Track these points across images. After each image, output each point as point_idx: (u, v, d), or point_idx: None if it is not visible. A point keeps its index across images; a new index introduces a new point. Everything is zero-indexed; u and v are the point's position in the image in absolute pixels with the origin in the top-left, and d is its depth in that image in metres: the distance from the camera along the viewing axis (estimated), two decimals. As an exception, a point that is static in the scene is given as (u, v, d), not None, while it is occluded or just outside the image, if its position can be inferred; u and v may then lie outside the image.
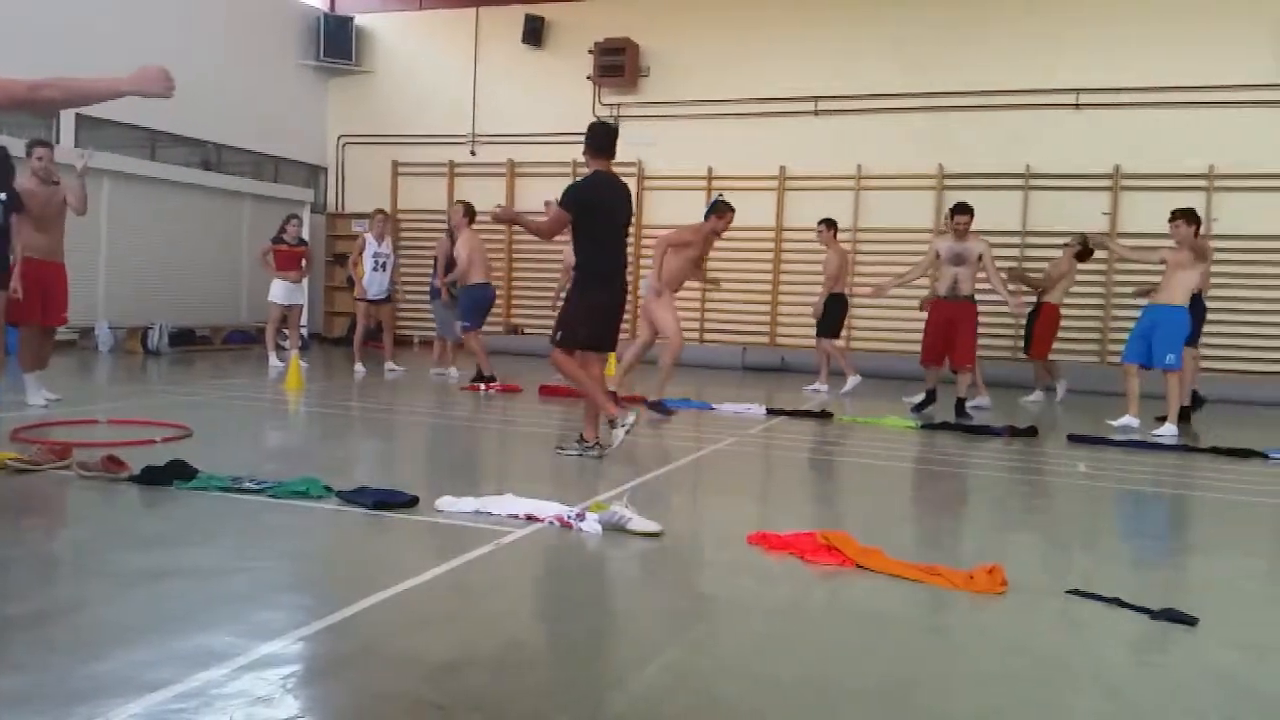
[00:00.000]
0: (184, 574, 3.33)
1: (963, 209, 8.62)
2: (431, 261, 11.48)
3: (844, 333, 11.40)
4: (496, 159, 15.00)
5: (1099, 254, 12.11)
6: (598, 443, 5.95)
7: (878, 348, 12.96)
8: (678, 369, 8.44)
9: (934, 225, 12.74)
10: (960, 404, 8.59)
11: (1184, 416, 8.61)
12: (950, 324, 8.59)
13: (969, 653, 2.95)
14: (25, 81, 3.50)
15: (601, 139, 6.08)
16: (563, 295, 10.45)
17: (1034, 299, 10.30)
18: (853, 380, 10.47)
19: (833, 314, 10.70)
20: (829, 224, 10.75)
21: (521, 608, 3.27)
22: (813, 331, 10.92)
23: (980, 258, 8.52)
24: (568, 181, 14.25)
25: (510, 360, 11.64)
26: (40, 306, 7.08)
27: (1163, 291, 8.21)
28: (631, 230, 14.13)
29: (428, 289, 11.83)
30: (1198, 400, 9.54)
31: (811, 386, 10.71)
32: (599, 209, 5.96)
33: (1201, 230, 8.29)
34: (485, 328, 10.41)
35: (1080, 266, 10.64)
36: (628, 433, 5.83)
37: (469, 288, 9.91)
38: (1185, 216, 8.03)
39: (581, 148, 6.13)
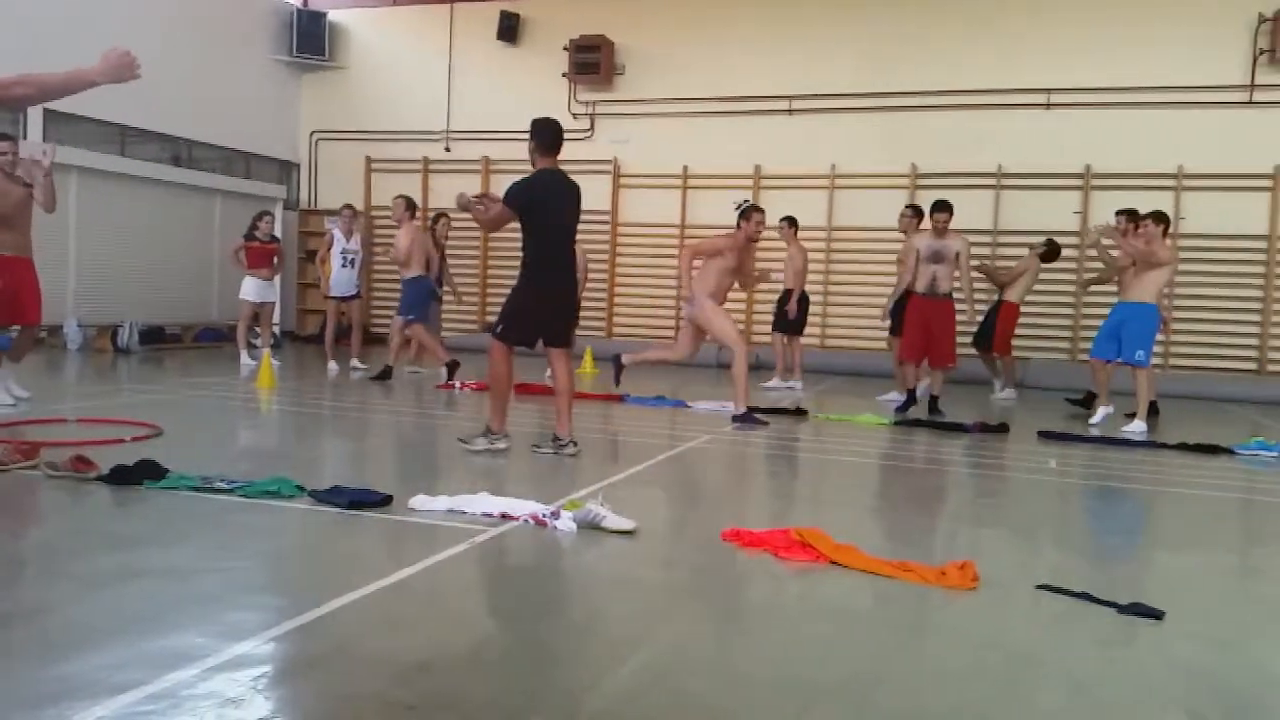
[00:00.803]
0: (154, 575, 3.29)
1: (941, 206, 8.63)
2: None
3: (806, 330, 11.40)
4: (471, 156, 14.94)
5: (1066, 253, 12.26)
6: (572, 440, 5.94)
7: (852, 345, 13.03)
8: (750, 373, 8.24)
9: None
10: (934, 402, 8.59)
11: (1153, 411, 8.75)
12: (931, 322, 8.57)
13: (940, 648, 2.97)
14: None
15: (549, 136, 6.04)
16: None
17: (994, 297, 10.43)
18: (778, 383, 10.59)
19: (799, 311, 10.78)
20: (790, 222, 10.82)
21: (495, 607, 3.26)
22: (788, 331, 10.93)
23: (958, 256, 8.54)
24: (543, 179, 14.38)
25: (485, 358, 11.57)
26: (8, 305, 6.97)
27: (1132, 289, 8.34)
28: (607, 227, 14.13)
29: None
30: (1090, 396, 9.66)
31: (787, 384, 10.75)
32: (544, 208, 5.95)
33: (1169, 229, 8.43)
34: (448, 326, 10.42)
35: (1048, 266, 10.77)
36: (487, 450, 5.85)
37: (408, 281, 9.89)
38: (1154, 217, 8.29)
39: (530, 139, 6.03)
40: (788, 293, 10.74)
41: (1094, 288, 10.70)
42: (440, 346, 9.89)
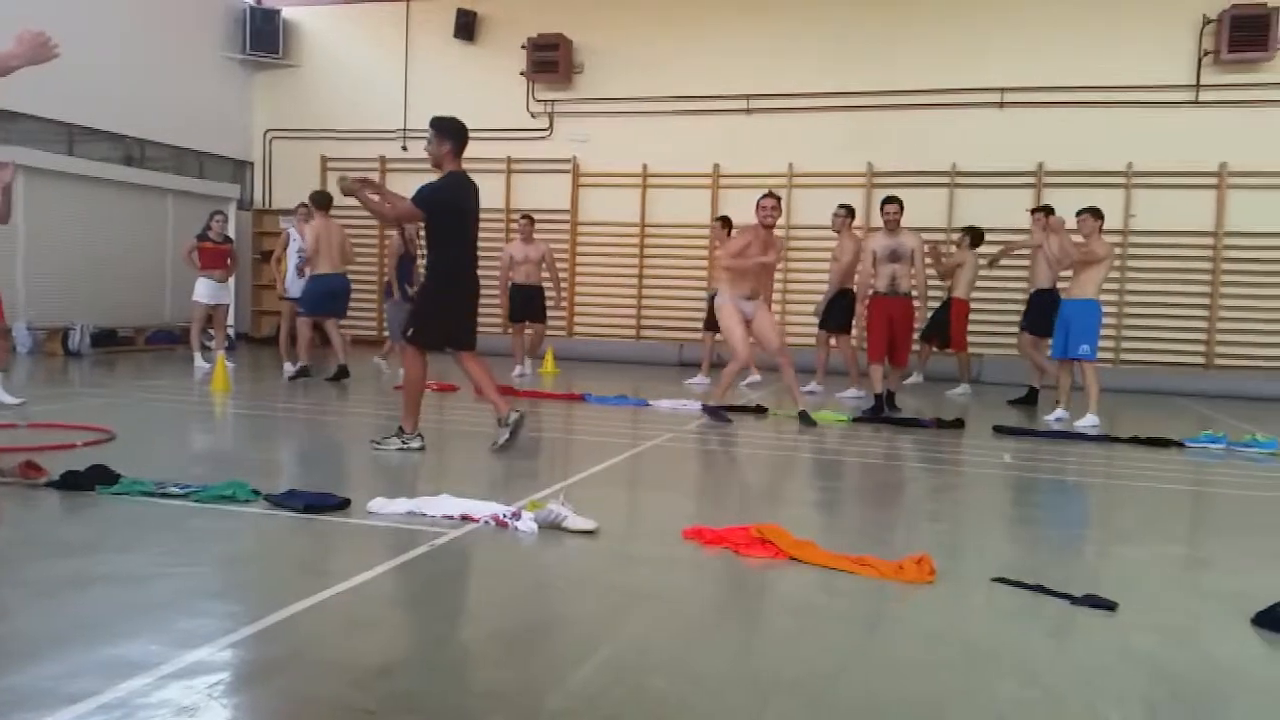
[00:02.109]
0: (106, 582, 3.24)
1: (891, 199, 8.65)
2: (375, 259, 11.30)
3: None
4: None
5: (1023, 253, 12.44)
6: (419, 434, 5.99)
7: (810, 344, 13.09)
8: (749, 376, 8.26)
9: (865, 223, 12.92)
10: (891, 396, 8.64)
11: (1030, 399, 9.54)
12: (894, 320, 8.59)
13: (897, 642, 3.00)
14: None
15: (463, 138, 6.10)
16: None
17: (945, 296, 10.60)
18: (702, 380, 10.68)
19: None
20: (724, 221, 10.89)
21: (456, 609, 3.25)
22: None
23: (913, 253, 8.57)
24: (501, 178, 14.35)
25: (446, 359, 11.50)
26: None
27: (1073, 286, 8.55)
28: (566, 226, 14.07)
29: (385, 288, 11.74)
30: (1032, 393, 9.90)
31: (746, 381, 10.83)
32: (457, 212, 6.00)
33: (1119, 225, 8.64)
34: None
35: (1004, 263, 10.93)
36: (401, 450, 5.89)
37: (313, 277, 9.81)
38: (1091, 212, 8.44)
39: (441, 140, 6.01)
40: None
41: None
42: (307, 350, 9.81)
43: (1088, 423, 8.11)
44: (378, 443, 5.99)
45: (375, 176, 14.39)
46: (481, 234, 15.79)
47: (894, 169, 12.82)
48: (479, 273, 6.27)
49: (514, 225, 14.25)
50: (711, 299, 10.81)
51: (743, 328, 7.94)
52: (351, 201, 6.31)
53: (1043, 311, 9.49)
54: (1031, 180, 12.50)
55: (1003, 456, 6.62)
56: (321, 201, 9.91)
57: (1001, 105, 12.57)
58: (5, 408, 6.73)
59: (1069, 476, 6.18)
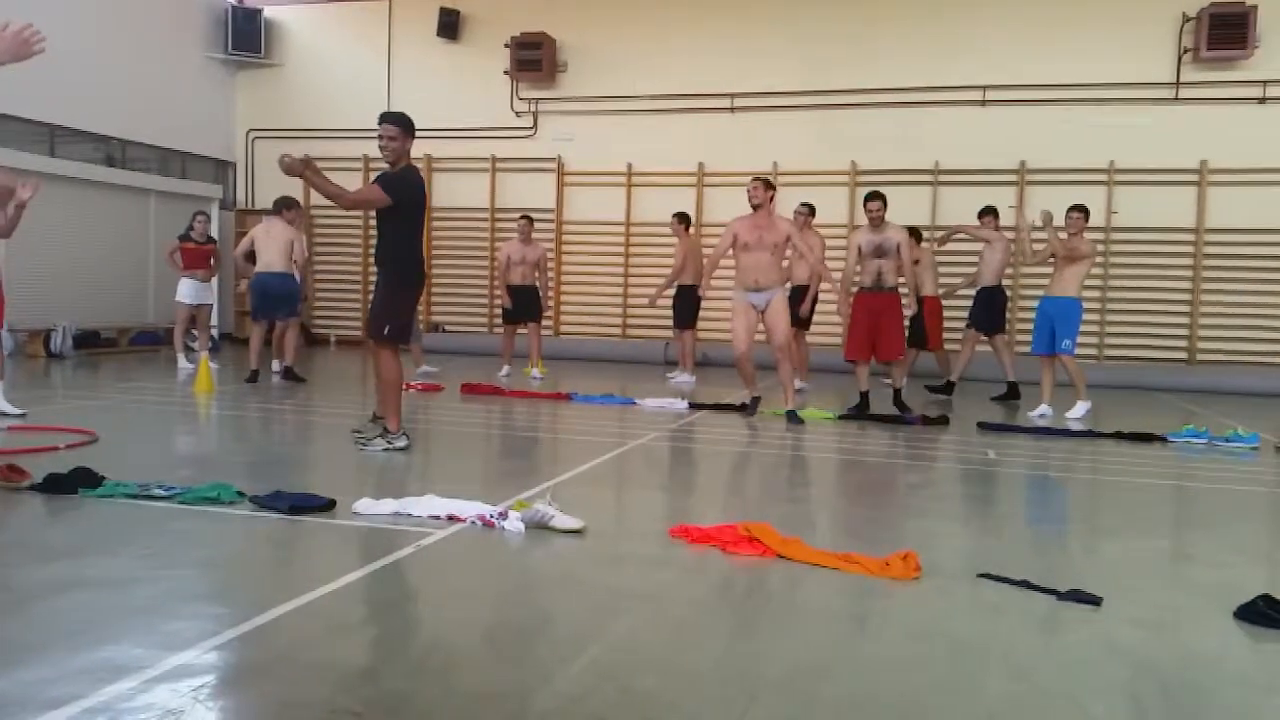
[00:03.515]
0: (90, 585, 3.21)
1: (873, 195, 8.47)
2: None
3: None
4: (414, 154, 14.71)
5: (974, 246, 12.50)
6: (403, 433, 6.01)
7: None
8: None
9: (848, 221, 12.97)
10: (898, 395, 8.45)
11: (1013, 395, 9.67)
12: (877, 316, 8.41)
13: (884, 638, 3.01)
14: None
15: (413, 132, 6.13)
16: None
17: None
18: (685, 376, 10.75)
19: (685, 306, 10.86)
20: (681, 217, 10.99)
21: (443, 609, 3.24)
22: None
23: (899, 248, 8.39)
24: (486, 177, 14.34)
25: (432, 358, 11.48)
26: None
27: (1055, 284, 8.65)
28: (551, 225, 14.05)
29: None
30: (1013, 388, 9.97)
31: (674, 376, 10.99)
32: (420, 205, 6.12)
33: (1101, 222, 8.70)
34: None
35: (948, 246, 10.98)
36: (387, 450, 5.90)
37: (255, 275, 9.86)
38: (1082, 210, 8.56)
39: (405, 137, 6.01)
40: (683, 288, 10.89)
41: (1023, 279, 10.98)
42: (256, 355, 9.73)
43: (1079, 411, 8.22)
44: (363, 443, 5.97)
45: (359, 178, 14.35)
46: (467, 234, 15.85)
47: (877, 167, 12.86)
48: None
49: (499, 225, 14.31)
50: (675, 297, 10.90)
51: (744, 322, 7.96)
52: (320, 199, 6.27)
53: (988, 307, 9.80)
54: (1014, 178, 12.56)
55: (987, 453, 6.65)
56: (279, 204, 9.84)
57: (984, 103, 12.63)
58: (6, 417, 6.67)
59: (1053, 472, 6.21)
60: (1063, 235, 8.56)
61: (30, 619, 2.93)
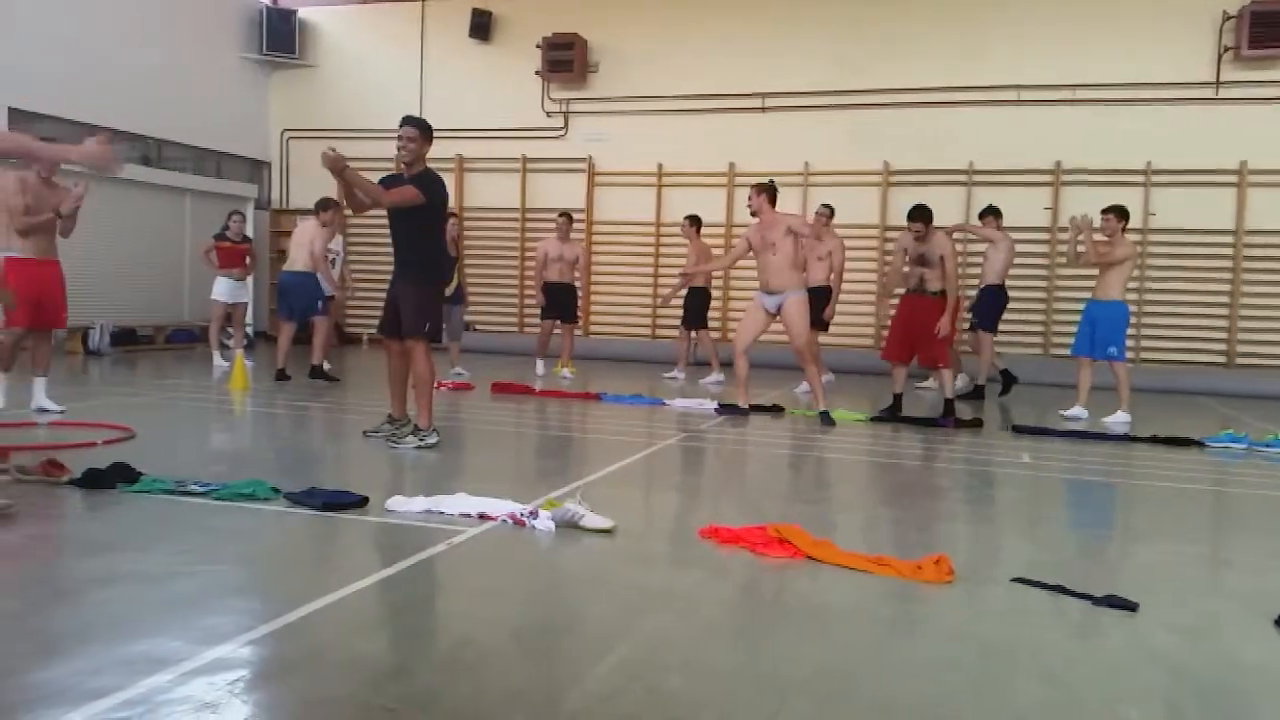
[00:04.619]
0: (128, 579, 3.26)
1: (915, 215, 8.26)
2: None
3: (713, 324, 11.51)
4: (445, 154, 14.83)
5: (1038, 249, 12.39)
6: (434, 430, 6.12)
7: (832, 343, 13.05)
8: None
9: (880, 222, 12.90)
10: (949, 405, 8.21)
11: (1007, 389, 9.71)
12: (917, 319, 8.25)
13: (915, 642, 2.99)
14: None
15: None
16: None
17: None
18: (715, 376, 10.73)
19: (697, 306, 10.89)
20: (692, 220, 10.99)
21: (474, 607, 3.25)
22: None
23: (943, 259, 8.21)
24: (517, 177, 14.39)
25: (463, 358, 11.53)
26: (35, 308, 6.80)
27: (1099, 287, 8.58)
28: (581, 225, 14.08)
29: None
30: (979, 390, 9.91)
31: (669, 374, 11.04)
32: (446, 205, 6.32)
33: (1139, 224, 8.61)
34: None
35: (1023, 263, 10.88)
36: (419, 447, 5.99)
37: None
38: (1116, 211, 8.46)
39: (424, 141, 6.17)
40: (695, 289, 10.92)
41: (1061, 281, 10.86)
42: (284, 355, 9.76)
43: (1119, 419, 8.15)
44: (395, 442, 6.01)
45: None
46: (498, 234, 15.88)
47: (910, 167, 12.78)
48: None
49: (530, 226, 14.36)
50: (686, 297, 10.92)
51: (749, 322, 8.10)
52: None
53: (992, 306, 9.79)
54: (1049, 179, 12.42)
55: (1021, 456, 6.58)
56: (319, 205, 9.93)
57: (1019, 103, 12.50)
58: (47, 413, 6.78)
59: (1088, 476, 6.14)
60: (1099, 238, 8.47)
61: (71, 611, 2.98)
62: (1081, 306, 9.00)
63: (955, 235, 10.34)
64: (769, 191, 8.05)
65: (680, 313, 11.26)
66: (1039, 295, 12.54)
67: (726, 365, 11.14)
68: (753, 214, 8.08)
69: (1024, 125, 12.47)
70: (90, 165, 3.79)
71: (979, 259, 10.58)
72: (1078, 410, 8.51)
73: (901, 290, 8.57)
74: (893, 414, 8.21)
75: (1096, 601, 3.32)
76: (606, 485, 5.11)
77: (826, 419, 7.78)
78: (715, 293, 12.53)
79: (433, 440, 6.02)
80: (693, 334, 11.18)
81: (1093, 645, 3.02)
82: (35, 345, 6.93)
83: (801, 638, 2.98)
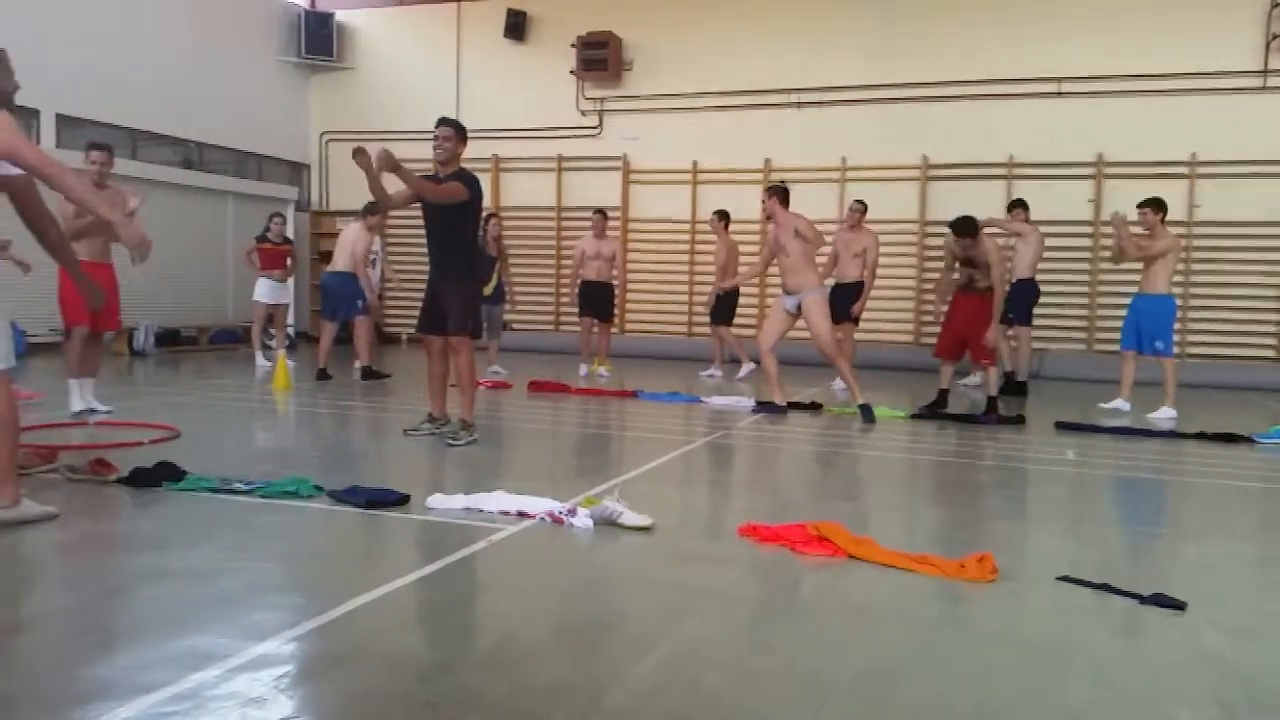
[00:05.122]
0: (175, 576, 3.31)
1: (961, 230, 8.05)
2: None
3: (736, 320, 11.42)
4: (481, 154, 14.92)
5: (1080, 243, 12.22)
6: (447, 419, 6.32)
7: (865, 339, 12.96)
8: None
9: (919, 216, 12.78)
10: (992, 402, 8.11)
11: (1020, 390, 9.60)
12: (968, 317, 8.16)
13: (959, 641, 2.96)
14: (42, 156, 3.75)
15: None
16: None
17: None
18: (747, 367, 10.83)
19: (725, 302, 10.85)
20: (721, 215, 10.99)
21: (514, 604, 3.27)
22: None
23: (988, 265, 8.06)
24: (552, 176, 14.43)
25: (500, 356, 11.59)
26: (100, 311, 6.93)
27: (1144, 281, 8.48)
28: (616, 224, 14.07)
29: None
30: (1021, 386, 9.76)
31: (706, 372, 11.00)
32: (480, 201, 6.35)
33: (1184, 216, 8.48)
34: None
35: (1065, 257, 10.74)
36: (470, 442, 6.13)
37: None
38: (1153, 204, 8.35)
39: (459, 141, 6.33)
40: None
41: (1104, 275, 10.72)
42: (324, 354, 9.87)
43: (1165, 415, 8.04)
44: (451, 440, 6.12)
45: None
46: (534, 233, 15.94)
47: (949, 161, 12.65)
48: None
49: (565, 224, 14.40)
50: (717, 293, 10.91)
51: (771, 322, 8.20)
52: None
53: (1021, 300, 9.68)
54: (1091, 171, 12.24)
55: (1066, 453, 6.49)
56: (365, 209, 10.02)
57: (1059, 94, 12.32)
58: (94, 413, 6.91)
59: (1134, 473, 6.04)
60: (1138, 231, 8.38)
61: (122, 607, 3.04)
62: (1124, 300, 8.90)
63: (986, 230, 10.23)
64: (780, 193, 8.11)
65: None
66: (1082, 289, 12.37)
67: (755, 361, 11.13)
68: (767, 217, 8.15)
69: (1065, 117, 12.29)
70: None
71: (1008, 253, 10.44)
72: (1119, 403, 8.43)
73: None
74: (934, 409, 8.14)
75: (1144, 600, 3.26)
76: (644, 483, 5.11)
77: (867, 414, 7.72)
78: (751, 290, 12.51)
79: (474, 436, 6.16)
80: (722, 329, 11.14)
81: (1141, 645, 2.98)
82: (86, 347, 7.07)
83: (843, 637, 2.96)
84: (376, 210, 9.90)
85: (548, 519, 4.14)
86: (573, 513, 4.13)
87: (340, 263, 9.89)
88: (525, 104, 14.59)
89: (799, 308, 7.99)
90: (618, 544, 3.91)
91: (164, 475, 4.64)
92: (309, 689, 2.48)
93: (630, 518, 4.07)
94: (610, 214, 13.78)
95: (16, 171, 3.88)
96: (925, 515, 4.89)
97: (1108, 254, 9.79)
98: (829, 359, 8.14)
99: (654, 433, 7.09)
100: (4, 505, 3.80)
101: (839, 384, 9.74)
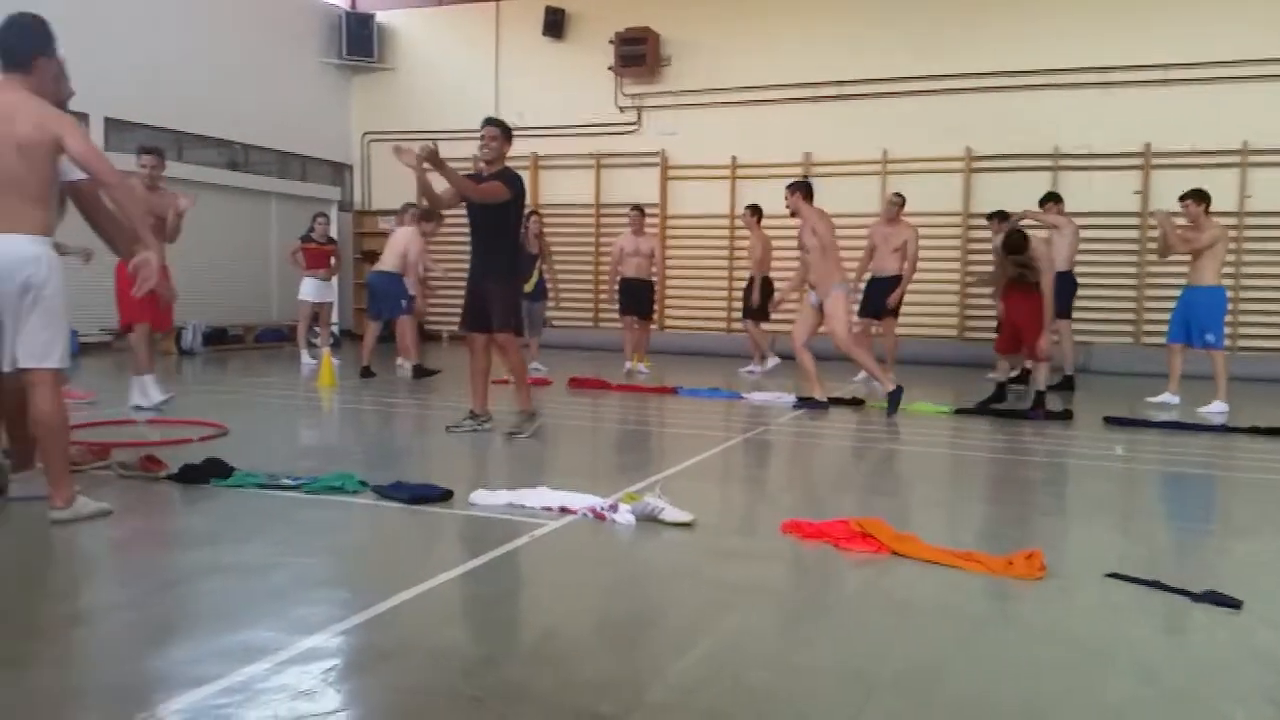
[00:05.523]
0: (225, 571, 3.37)
1: (1013, 247, 8.00)
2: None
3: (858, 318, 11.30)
4: (520, 152, 14.96)
5: (1128, 234, 12.00)
6: (489, 415, 6.47)
7: (910, 334, 12.83)
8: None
9: (963, 209, 12.63)
10: (1040, 397, 7.95)
11: (1067, 385, 9.47)
12: (1021, 311, 8.08)
13: (1006, 639, 2.93)
14: (116, 174, 3.95)
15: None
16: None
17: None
18: (771, 362, 10.85)
19: (759, 298, 10.83)
20: (753, 210, 10.98)
21: (557, 600, 3.29)
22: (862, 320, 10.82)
23: (1039, 269, 8.00)
24: (590, 173, 14.46)
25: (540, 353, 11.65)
26: (153, 309, 7.12)
27: (1192, 273, 8.35)
28: (655, 220, 14.03)
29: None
30: (1068, 380, 9.60)
31: (764, 367, 10.90)
32: (524, 202, 6.44)
33: (1234, 207, 8.30)
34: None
35: (1112, 249, 10.56)
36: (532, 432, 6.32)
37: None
38: (1194, 196, 8.21)
39: (505, 141, 6.41)
40: (752, 279, 11.00)
41: (1152, 267, 10.53)
42: (414, 346, 9.97)
43: (1216, 409, 7.92)
44: (515, 433, 6.26)
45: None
46: (573, 230, 15.94)
47: (993, 152, 12.48)
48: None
49: (604, 221, 14.42)
50: (747, 287, 10.87)
51: (800, 319, 8.25)
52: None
53: (1060, 293, 9.29)
54: (1139, 162, 12.01)
55: (1114, 448, 6.39)
56: (421, 214, 10.13)
57: (1105, 85, 12.11)
58: (143, 409, 7.06)
59: (1184, 468, 5.94)
60: (1182, 222, 8.24)
61: (174, 602, 3.10)
62: (1173, 292, 8.75)
63: (1023, 223, 10.09)
64: (803, 188, 8.13)
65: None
66: (1129, 282, 12.15)
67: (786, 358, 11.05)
68: (792, 213, 8.15)
69: (1111, 106, 12.07)
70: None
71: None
72: (1167, 396, 8.29)
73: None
74: (990, 404, 8.07)
75: (1196, 598, 3.20)
76: (686, 479, 5.11)
77: (894, 400, 7.69)
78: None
79: (487, 425, 6.43)
80: (759, 325, 11.11)
81: (1191, 643, 2.93)
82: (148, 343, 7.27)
83: (887, 634, 2.94)
84: (431, 217, 10.02)
85: (589, 515, 4.16)
86: (614, 509, 4.15)
87: (388, 263, 9.99)
88: (563, 102, 14.63)
89: (820, 305, 8.01)
90: (659, 540, 3.92)
91: (213, 472, 4.72)
92: (356, 683, 2.51)
93: (672, 514, 4.07)
94: (649, 210, 13.80)
95: (82, 176, 4.00)
96: (970, 511, 4.84)
97: (1154, 247, 9.63)
98: (846, 354, 8.15)
99: (694, 429, 7.09)
100: (59, 506, 3.89)
101: (859, 376, 9.71)
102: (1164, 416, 7.77)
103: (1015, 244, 8.02)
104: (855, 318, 10.30)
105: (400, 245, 9.99)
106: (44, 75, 4.00)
